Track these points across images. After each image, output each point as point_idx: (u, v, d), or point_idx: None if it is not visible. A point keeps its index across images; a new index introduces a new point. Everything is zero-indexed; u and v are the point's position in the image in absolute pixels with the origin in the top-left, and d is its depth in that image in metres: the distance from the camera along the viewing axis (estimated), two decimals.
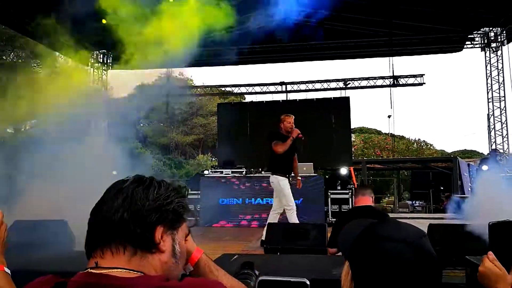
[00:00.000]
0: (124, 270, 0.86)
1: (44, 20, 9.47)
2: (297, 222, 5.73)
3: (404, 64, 23.54)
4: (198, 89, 17.15)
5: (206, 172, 9.74)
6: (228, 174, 9.22)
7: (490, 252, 1.18)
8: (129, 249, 0.88)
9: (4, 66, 19.29)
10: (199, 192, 9.40)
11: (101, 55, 13.73)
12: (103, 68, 13.89)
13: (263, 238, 5.29)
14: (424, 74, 13.44)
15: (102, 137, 13.20)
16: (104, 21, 9.60)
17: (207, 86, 16.28)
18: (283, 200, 5.89)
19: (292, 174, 6.19)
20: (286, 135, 5.89)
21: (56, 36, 10.63)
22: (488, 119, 12.34)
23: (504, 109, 12.05)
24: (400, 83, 13.63)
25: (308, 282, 0.78)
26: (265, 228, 4.89)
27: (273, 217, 5.91)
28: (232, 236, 7.41)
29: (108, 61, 13.90)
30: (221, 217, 8.88)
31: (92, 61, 13.66)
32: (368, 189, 3.81)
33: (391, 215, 14.55)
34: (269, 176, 6.20)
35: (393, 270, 0.84)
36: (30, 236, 3.22)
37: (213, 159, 17.38)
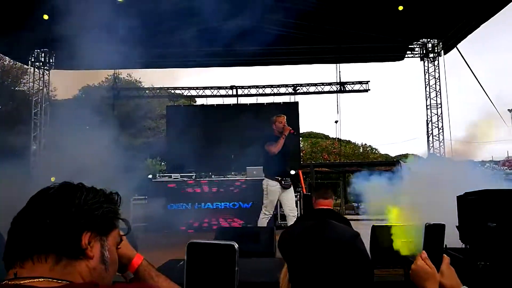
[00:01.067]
0: (47, 280, 0.80)
1: None
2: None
3: (350, 71, 24.39)
4: (147, 91, 16.75)
5: (150, 176, 9.51)
6: (177, 178, 9.06)
7: (423, 251, 1.24)
8: (52, 256, 0.83)
9: None
10: (146, 197, 9.16)
11: (43, 54, 13.02)
12: (45, 67, 13.19)
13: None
14: (369, 81, 14.01)
15: (43, 140, 12.55)
16: (46, 16, 9.14)
17: (156, 88, 15.94)
18: (265, 204, 5.82)
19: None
20: (279, 135, 5.87)
21: None
22: (427, 125, 13.07)
23: (440, 115, 12.82)
24: (347, 89, 14.10)
25: (236, 246, 0.78)
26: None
27: (262, 222, 5.82)
28: (180, 241, 7.26)
29: (51, 60, 13.22)
30: (169, 223, 8.69)
31: (33, 59, 12.93)
32: (330, 192, 3.80)
33: None
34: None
35: (328, 270, 0.85)
36: None
37: (162, 163, 17.00)
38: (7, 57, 18.81)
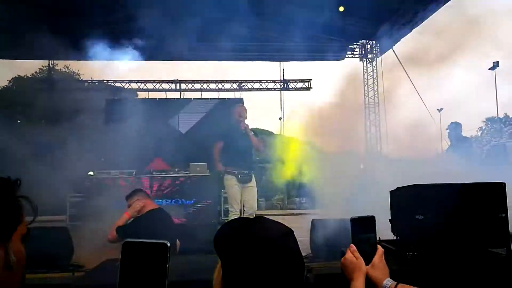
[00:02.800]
0: None
1: None
2: None
3: (294, 69, 24.84)
4: (85, 84, 16.00)
5: (91, 173, 9.10)
6: (116, 175, 8.75)
7: (352, 245, 1.29)
8: None
9: None
10: (84, 195, 8.76)
11: None
12: None
13: None
14: (311, 79, 14.37)
15: None
16: None
17: (96, 81, 15.26)
18: (228, 199, 5.66)
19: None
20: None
21: None
22: (365, 123, 13.67)
23: (378, 114, 13.45)
24: (290, 87, 14.37)
25: (168, 244, 0.79)
26: None
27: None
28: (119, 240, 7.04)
29: None
30: (108, 221, 8.36)
31: None
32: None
33: (280, 211, 15.27)
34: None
35: (258, 269, 0.86)
36: None
37: (102, 159, 16.32)
38: None
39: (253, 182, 5.95)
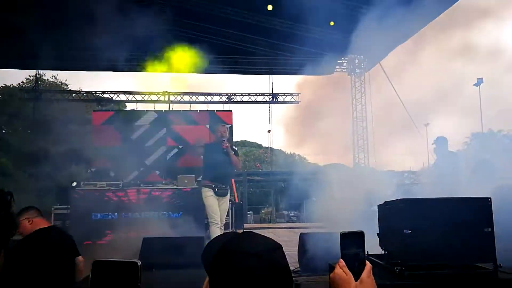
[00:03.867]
0: None
1: None
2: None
3: (283, 83, 25.06)
4: (73, 94, 15.87)
5: (74, 183, 8.95)
6: (103, 187, 8.63)
7: (341, 260, 1.28)
8: None
9: None
10: (68, 206, 8.62)
11: None
12: None
13: None
14: (300, 93, 14.48)
15: None
16: None
17: (84, 92, 15.15)
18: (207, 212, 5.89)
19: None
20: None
21: None
22: (353, 136, 13.78)
23: (365, 128, 13.58)
24: (279, 100, 14.46)
25: (139, 263, 0.79)
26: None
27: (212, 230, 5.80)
28: (106, 252, 6.92)
29: None
30: (93, 233, 8.22)
31: None
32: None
33: (269, 225, 15.21)
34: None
35: (245, 285, 0.85)
36: None
37: (88, 170, 16.13)
38: None
39: (228, 197, 6.17)
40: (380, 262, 3.06)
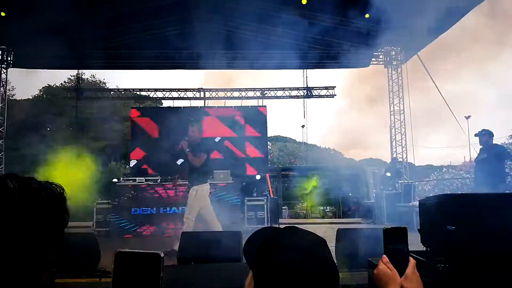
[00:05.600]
0: None
1: None
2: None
3: (317, 76, 24.77)
4: (112, 93, 16.36)
5: (115, 180, 9.26)
6: (142, 182, 8.87)
7: (384, 256, 1.26)
8: None
9: None
10: (109, 201, 8.93)
11: (0, 51, 12.45)
12: (2, 65, 12.61)
13: (175, 247, 5.20)
14: (335, 87, 14.27)
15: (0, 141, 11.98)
16: (2, 13, 8.75)
17: (121, 90, 15.59)
18: (196, 209, 5.97)
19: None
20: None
21: None
22: (390, 130, 13.45)
23: (403, 121, 13.22)
24: (313, 94, 14.31)
25: (162, 255, 0.79)
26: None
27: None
28: (144, 246, 7.12)
29: (9, 58, 12.65)
30: (133, 227, 8.50)
31: None
32: None
33: (304, 220, 15.15)
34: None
35: (294, 280, 0.84)
36: None
37: (127, 166, 16.62)
38: None
39: (192, 192, 6.08)
40: (421, 258, 2.98)
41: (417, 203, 8.85)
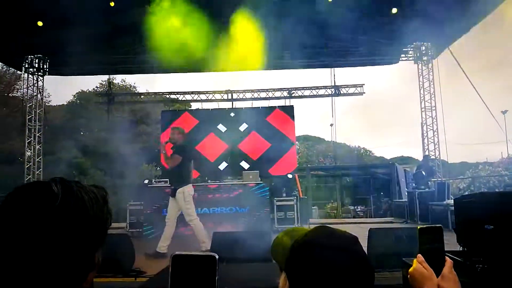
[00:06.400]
0: None
1: None
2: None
3: (345, 74, 24.52)
4: (142, 96, 16.73)
5: (146, 181, 9.46)
6: None
7: (419, 255, 1.24)
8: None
9: None
10: (142, 203, 9.12)
11: (37, 60, 12.96)
12: (39, 73, 13.13)
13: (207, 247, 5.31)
14: (364, 84, 14.06)
15: (37, 146, 12.47)
16: (40, 23, 9.11)
17: (151, 93, 15.91)
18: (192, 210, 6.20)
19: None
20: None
21: None
22: (422, 127, 13.13)
23: (435, 118, 12.88)
24: (342, 92, 14.15)
25: (217, 257, 0.81)
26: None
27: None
28: (177, 246, 7.22)
29: (45, 66, 13.16)
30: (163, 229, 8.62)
31: (27, 65, 12.86)
32: None
33: (334, 220, 15.01)
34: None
35: (330, 278, 0.84)
36: None
37: (157, 168, 16.94)
38: (0, 63, 18.72)
39: (178, 196, 6.16)
40: (458, 259, 2.90)
41: (452, 201, 8.62)
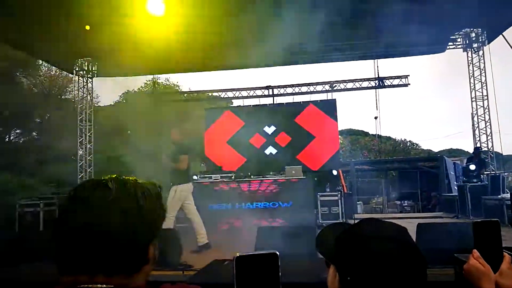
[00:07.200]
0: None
1: (25, 27, 9.34)
2: None
3: (389, 65, 23.83)
4: (185, 95, 17.09)
5: (194, 177, 9.67)
6: (217, 179, 9.18)
7: (475, 250, 1.19)
8: (119, 275, 0.82)
9: None
10: None
11: (86, 62, 13.58)
12: (88, 75, 13.74)
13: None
14: (408, 75, 13.60)
15: (89, 145, 13.07)
16: (87, 27, 9.52)
17: (194, 92, 16.22)
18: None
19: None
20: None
21: (39, 43, 10.52)
22: (472, 118, 12.53)
23: (487, 107, 12.24)
24: (385, 84, 13.76)
25: (278, 253, 0.82)
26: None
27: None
28: (222, 241, 7.35)
29: (93, 68, 13.75)
30: (210, 223, 8.80)
31: (77, 68, 13.50)
32: None
33: (380, 215, 14.67)
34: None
35: (383, 269, 0.83)
36: None
37: (202, 164, 17.28)
38: (54, 67, 19.77)
39: (171, 193, 6.28)
40: None
41: (507, 195, 8.18)
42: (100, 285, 0.78)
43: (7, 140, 22.68)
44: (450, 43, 12.65)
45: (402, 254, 0.84)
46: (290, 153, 12.14)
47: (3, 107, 20.63)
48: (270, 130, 12.67)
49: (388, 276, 0.82)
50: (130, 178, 0.88)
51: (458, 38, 12.63)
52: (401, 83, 13.69)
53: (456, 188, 12.64)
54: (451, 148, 30.79)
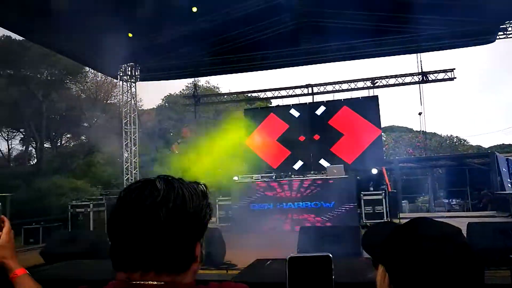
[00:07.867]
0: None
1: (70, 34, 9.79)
2: None
3: (433, 59, 22.93)
4: (225, 96, 17.28)
5: (235, 178, 9.77)
6: (258, 179, 9.21)
7: None
8: (166, 273, 0.85)
9: (40, 83, 20.12)
10: (230, 198, 9.46)
11: (129, 68, 14.03)
12: (132, 80, 14.20)
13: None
14: (454, 69, 13.06)
15: (134, 148, 13.51)
16: (130, 34, 9.87)
17: (234, 93, 16.37)
18: None
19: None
20: None
21: (85, 50, 11.01)
22: None
23: None
24: (430, 79, 13.29)
25: (331, 256, 0.81)
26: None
27: None
28: (264, 240, 7.37)
29: (136, 73, 14.19)
30: (252, 222, 8.85)
31: (121, 73, 13.98)
32: None
33: (427, 214, 14.16)
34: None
35: (436, 269, 0.80)
36: None
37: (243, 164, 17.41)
38: (99, 73, 20.61)
39: None
40: None
41: None
42: (151, 282, 0.81)
43: (59, 144, 23.91)
44: (500, 33, 11.99)
45: (458, 255, 0.81)
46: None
47: (56, 113, 21.78)
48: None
49: (443, 278, 0.79)
50: (177, 178, 0.91)
51: (509, 27, 11.95)
52: (446, 77, 13.16)
53: (510, 185, 11.98)
54: (503, 144, 29.17)
